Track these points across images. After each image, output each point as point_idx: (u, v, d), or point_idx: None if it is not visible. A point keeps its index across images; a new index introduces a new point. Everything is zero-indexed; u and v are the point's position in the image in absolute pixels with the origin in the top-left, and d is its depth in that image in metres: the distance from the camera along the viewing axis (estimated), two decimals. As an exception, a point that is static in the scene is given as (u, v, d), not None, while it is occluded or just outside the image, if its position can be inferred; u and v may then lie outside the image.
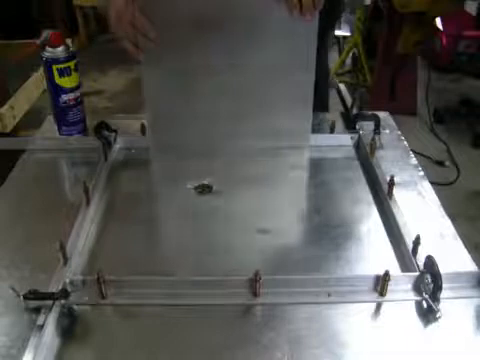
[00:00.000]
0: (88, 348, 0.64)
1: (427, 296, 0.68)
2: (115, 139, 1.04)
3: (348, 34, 3.49)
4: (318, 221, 0.86)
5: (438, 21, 3.38)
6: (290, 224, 0.87)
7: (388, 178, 0.88)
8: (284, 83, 0.98)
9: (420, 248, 0.74)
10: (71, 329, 0.66)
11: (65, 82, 1.03)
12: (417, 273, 0.71)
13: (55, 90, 1.04)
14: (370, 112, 1.12)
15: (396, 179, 0.87)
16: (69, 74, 1.03)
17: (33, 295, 0.66)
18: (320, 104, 1.04)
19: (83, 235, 0.80)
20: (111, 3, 0.93)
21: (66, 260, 0.72)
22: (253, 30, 0.93)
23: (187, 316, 0.68)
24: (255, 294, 0.69)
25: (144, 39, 0.92)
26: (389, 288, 0.69)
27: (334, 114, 1.17)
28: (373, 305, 0.69)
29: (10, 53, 2.16)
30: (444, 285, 0.66)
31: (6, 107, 1.86)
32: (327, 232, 0.83)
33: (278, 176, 0.99)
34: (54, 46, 1.01)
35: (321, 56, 0.96)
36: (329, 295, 0.70)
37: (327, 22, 0.94)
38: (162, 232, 0.88)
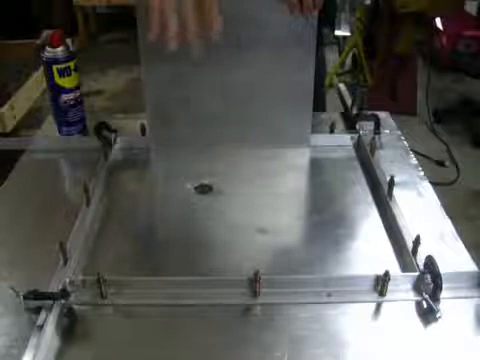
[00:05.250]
0: (88, 348, 0.64)
1: (427, 296, 0.68)
2: (115, 139, 1.04)
3: (348, 34, 3.49)
4: (318, 221, 0.86)
5: (438, 21, 3.38)
6: (290, 224, 0.87)
7: (388, 178, 0.88)
8: (284, 83, 0.99)
9: (420, 248, 0.74)
10: (71, 329, 0.65)
11: (65, 82, 1.03)
12: (417, 273, 0.70)
13: (55, 90, 1.04)
14: (370, 112, 1.12)
15: (396, 179, 0.86)
16: (69, 74, 1.03)
17: (33, 295, 0.66)
18: (316, 103, 1.04)
19: (83, 235, 0.80)
20: None
21: (66, 260, 0.72)
22: (253, 30, 0.93)
23: (187, 316, 0.68)
24: (255, 294, 0.69)
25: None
26: (389, 288, 0.69)
27: (334, 114, 1.18)
28: (373, 305, 0.69)
29: (10, 53, 2.16)
30: (444, 285, 0.66)
31: (6, 107, 1.86)
32: (327, 232, 0.83)
33: (278, 176, 0.99)
34: (54, 46, 1.01)
35: (317, 53, 0.96)
36: (329, 295, 0.69)
37: (321, 18, 0.93)
38: (162, 232, 0.88)
